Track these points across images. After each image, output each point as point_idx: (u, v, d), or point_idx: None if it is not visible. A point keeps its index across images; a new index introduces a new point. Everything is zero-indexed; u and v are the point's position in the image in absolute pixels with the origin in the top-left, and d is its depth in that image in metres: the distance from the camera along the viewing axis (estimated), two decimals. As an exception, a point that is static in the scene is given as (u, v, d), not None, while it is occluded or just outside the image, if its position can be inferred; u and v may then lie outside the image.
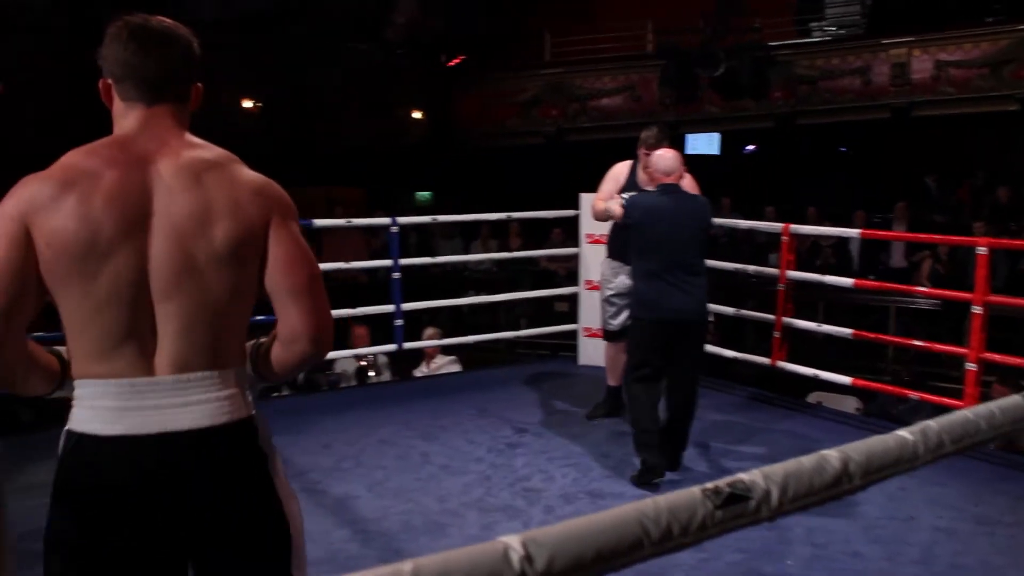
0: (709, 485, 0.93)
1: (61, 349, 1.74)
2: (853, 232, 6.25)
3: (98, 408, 1.62)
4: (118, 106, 1.76)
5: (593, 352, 6.64)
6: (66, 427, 1.68)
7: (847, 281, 5.97)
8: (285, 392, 6.79)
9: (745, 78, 12.11)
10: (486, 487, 4.37)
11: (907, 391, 5.57)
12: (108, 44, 1.74)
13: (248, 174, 1.74)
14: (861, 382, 5.69)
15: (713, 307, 6.69)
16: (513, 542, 0.76)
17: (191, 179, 1.66)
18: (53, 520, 1.67)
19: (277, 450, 1.83)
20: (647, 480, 4.38)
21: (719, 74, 12.00)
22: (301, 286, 1.71)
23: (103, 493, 1.61)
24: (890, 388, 5.95)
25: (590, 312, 6.63)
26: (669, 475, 4.50)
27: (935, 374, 8.52)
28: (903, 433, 1.12)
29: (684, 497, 0.89)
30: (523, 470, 4.62)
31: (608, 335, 5.42)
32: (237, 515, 1.69)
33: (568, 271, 10.17)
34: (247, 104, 13.19)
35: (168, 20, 1.77)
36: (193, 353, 1.65)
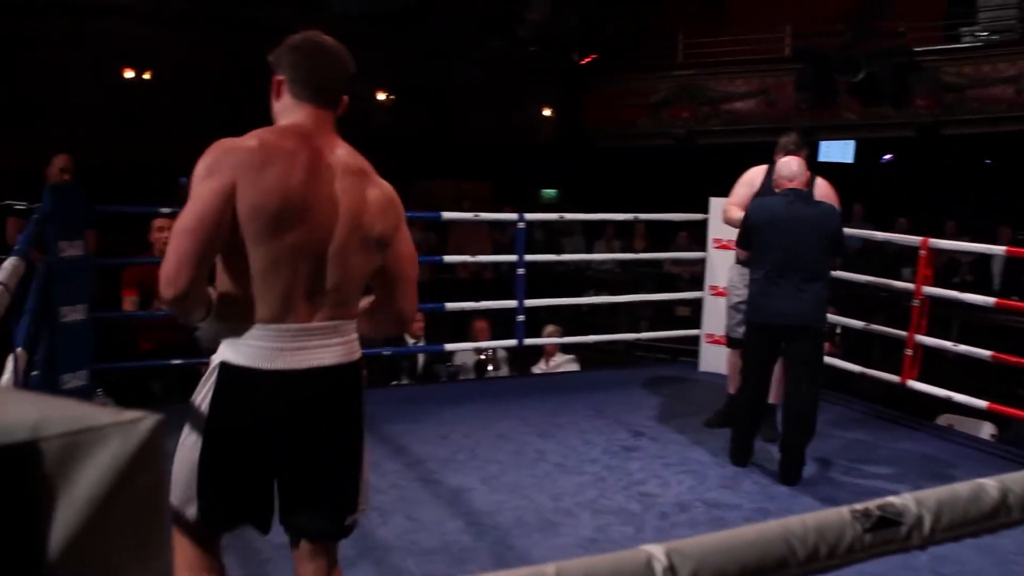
0: (859, 507, 0.88)
1: (211, 290, 2.05)
2: (998, 249, 5.94)
3: (260, 348, 1.98)
4: (287, 101, 2.09)
5: (714, 359, 6.52)
6: (219, 360, 2.02)
7: (988, 300, 5.68)
8: (405, 381, 6.90)
9: (886, 84, 11.69)
10: (600, 489, 4.34)
11: (1049, 419, 5.27)
12: (289, 52, 2.10)
13: (387, 185, 2.15)
14: (998, 407, 5.40)
15: (839, 319, 6.52)
16: (657, 552, 0.74)
17: (357, 177, 2.06)
18: (222, 422, 2.01)
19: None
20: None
21: (859, 80, 11.61)
22: (411, 277, 2.20)
23: (257, 411, 1.99)
24: (1030, 415, 5.63)
25: (714, 318, 6.52)
26: (799, 493, 4.39)
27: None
28: (1068, 466, 1.05)
29: (832, 517, 0.85)
30: (638, 474, 4.57)
31: (732, 342, 5.31)
32: (333, 434, 2.09)
33: (692, 275, 10.03)
34: (381, 96, 13.46)
35: (328, 37, 2.15)
36: (339, 307, 2.06)
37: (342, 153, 2.06)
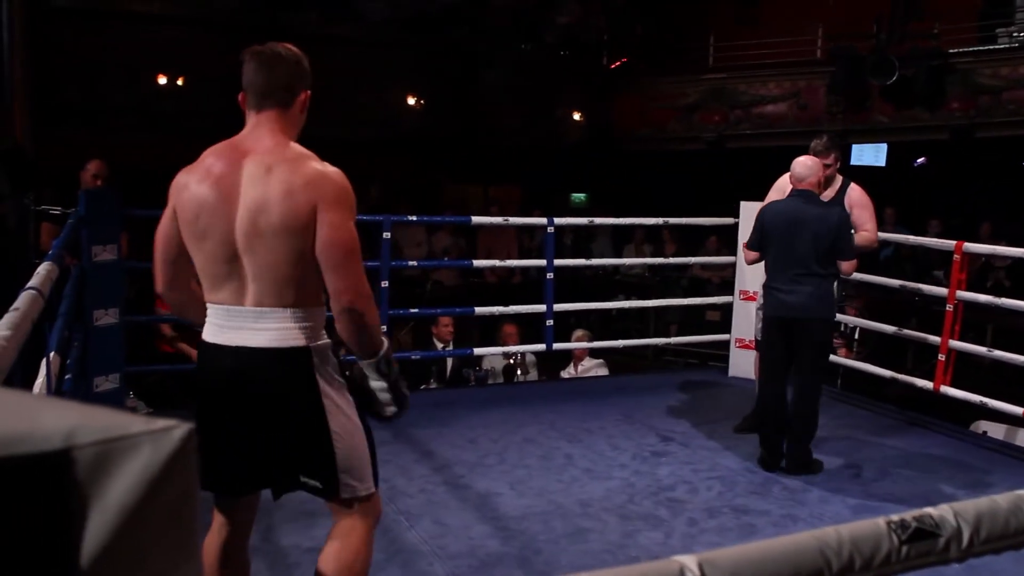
0: (895, 517, 0.87)
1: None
2: (1033, 254, 5.84)
3: (211, 325, 2.35)
4: (247, 112, 2.37)
5: (744, 363, 6.48)
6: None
7: (1023, 304, 5.59)
8: (433, 385, 6.91)
9: (920, 87, 11.55)
10: (629, 494, 4.32)
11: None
12: (243, 65, 2.35)
13: (306, 169, 2.25)
14: (1035, 414, 5.32)
15: (863, 322, 6.46)
16: (689, 563, 0.73)
17: (265, 172, 2.23)
18: (195, 389, 2.42)
19: (335, 379, 2.37)
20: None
21: (892, 82, 11.49)
22: (335, 264, 2.24)
23: (207, 380, 2.37)
24: (1067, 422, 5.55)
25: (743, 322, 6.48)
26: (829, 500, 4.36)
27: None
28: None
29: (868, 528, 0.83)
30: (667, 480, 4.55)
31: (760, 346, 5.32)
32: (285, 415, 2.31)
33: (722, 280, 9.97)
34: (411, 101, 13.49)
35: (284, 47, 2.37)
36: (264, 294, 2.26)
37: (261, 150, 2.27)
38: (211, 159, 2.32)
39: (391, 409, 2.50)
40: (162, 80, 11.75)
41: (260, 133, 2.32)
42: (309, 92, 2.42)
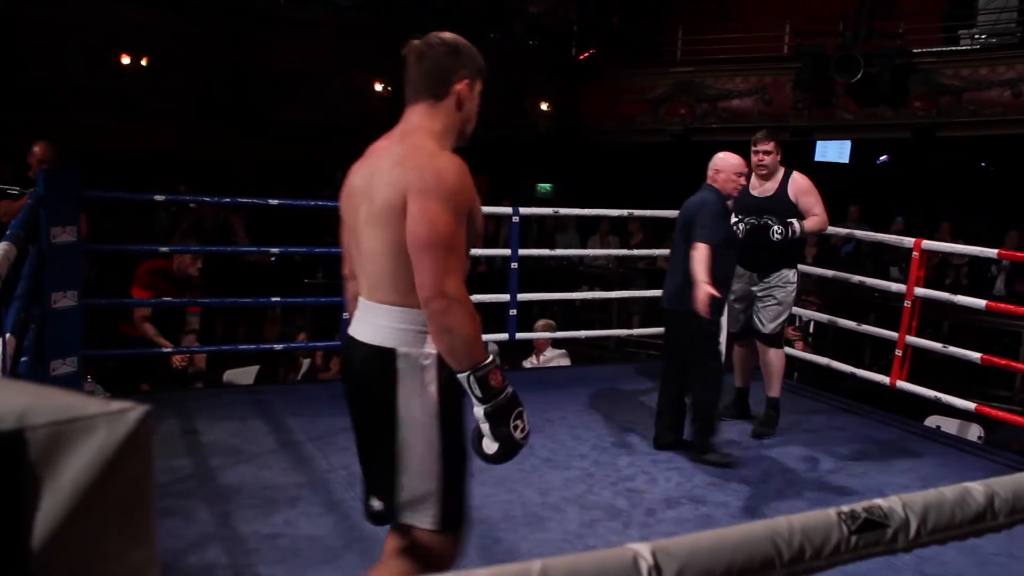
0: (845, 508, 0.88)
1: None
2: (990, 252, 5.94)
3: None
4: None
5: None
6: None
7: (979, 302, 5.68)
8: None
9: (884, 85, 11.68)
10: (588, 484, 4.35)
11: (1037, 423, 5.29)
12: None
13: (410, 158, 2.12)
14: (986, 409, 5.42)
15: (825, 317, 6.53)
16: (643, 550, 0.74)
17: (388, 163, 2.15)
18: None
19: (424, 393, 2.16)
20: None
21: (856, 80, 11.61)
22: (418, 255, 2.06)
23: (342, 365, 2.39)
24: (1018, 418, 5.65)
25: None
26: (786, 492, 4.42)
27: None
28: (1055, 471, 1.05)
29: (818, 519, 0.85)
30: (626, 470, 4.58)
31: (733, 336, 5.43)
32: (365, 410, 2.26)
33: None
34: (378, 87, 13.42)
35: (440, 36, 2.31)
36: (368, 287, 2.22)
37: (393, 142, 2.24)
38: (367, 152, 2.32)
39: (491, 446, 2.16)
40: (125, 60, 11.59)
41: (404, 127, 2.27)
42: (468, 81, 2.29)
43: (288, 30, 12.27)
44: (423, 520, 2.18)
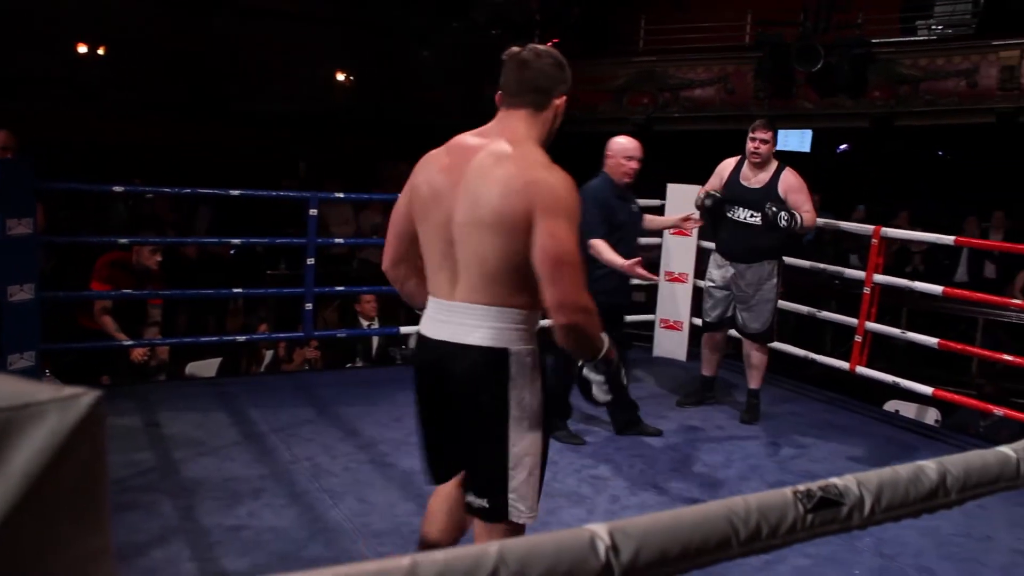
0: (801, 487, 0.90)
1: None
2: (947, 239, 6.03)
3: (425, 317, 2.38)
4: (499, 107, 2.41)
5: (669, 344, 6.58)
6: None
7: (936, 288, 5.77)
8: (360, 363, 6.88)
9: (843, 75, 11.78)
10: (552, 472, 4.34)
11: (991, 406, 5.38)
12: (503, 65, 2.41)
13: (529, 172, 2.21)
14: (943, 393, 5.51)
15: (793, 306, 6.60)
16: (600, 531, 0.74)
17: (492, 166, 2.22)
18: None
19: (530, 391, 2.29)
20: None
21: (816, 70, 11.71)
22: (546, 271, 2.16)
23: (415, 371, 2.44)
24: (973, 402, 5.76)
25: (668, 303, 6.57)
26: (748, 477, 4.47)
27: (1021, 391, 8.22)
28: (1005, 450, 1.07)
29: (775, 498, 0.86)
30: (590, 458, 4.60)
31: (706, 325, 5.47)
32: (469, 414, 2.29)
33: (648, 260, 10.06)
34: (341, 77, 13.33)
35: (543, 49, 2.43)
36: (469, 288, 2.24)
37: (495, 146, 2.27)
38: (451, 145, 2.38)
39: (604, 398, 2.48)
40: (82, 49, 11.41)
41: (501, 129, 2.34)
42: (565, 97, 2.43)
43: (250, 19, 12.15)
44: (529, 514, 2.33)
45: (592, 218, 4.47)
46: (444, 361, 2.29)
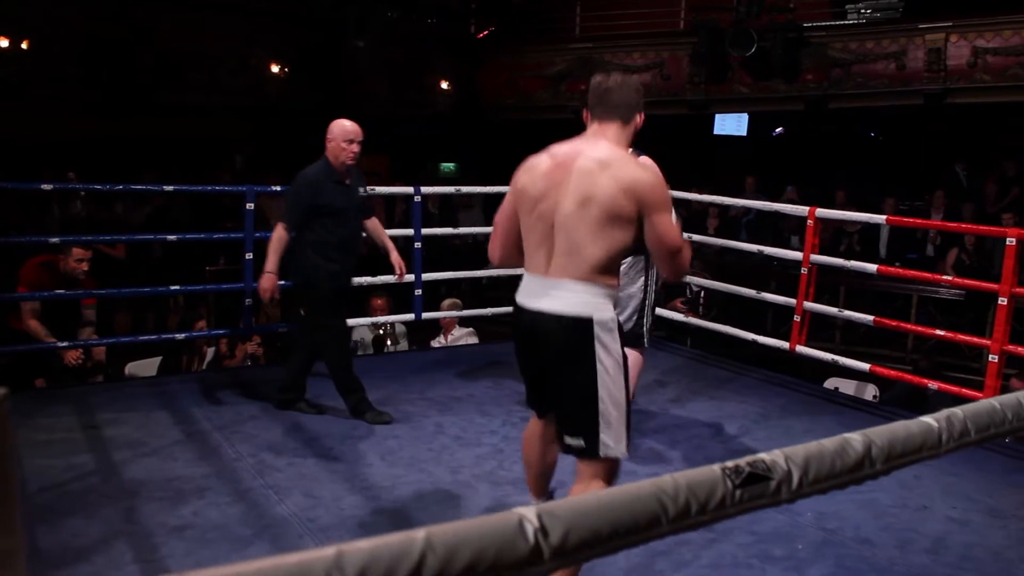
0: (729, 464, 0.91)
1: None
2: (879, 218, 6.16)
3: (522, 288, 2.85)
4: (590, 122, 2.93)
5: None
6: None
7: (870, 267, 5.89)
8: (303, 357, 6.81)
9: (777, 59, 11.92)
10: (499, 460, 4.38)
11: (926, 380, 5.52)
12: (591, 87, 2.95)
13: (633, 172, 2.70)
14: (879, 369, 5.63)
15: (731, 288, 6.69)
16: (528, 514, 0.75)
17: (598, 169, 2.70)
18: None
19: (613, 350, 2.73)
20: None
21: (751, 54, 11.84)
22: (662, 253, 2.79)
23: (516, 332, 2.91)
24: (909, 377, 5.90)
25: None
26: (692, 457, 4.53)
27: (955, 365, 8.44)
28: (928, 419, 1.09)
29: (703, 475, 0.87)
30: (537, 444, 4.61)
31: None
32: (564, 370, 2.77)
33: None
34: (275, 68, 13.14)
35: (627, 76, 3.00)
36: (566, 268, 2.71)
37: (595, 151, 2.75)
38: (553, 151, 2.85)
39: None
40: (4, 44, 11.09)
41: (598, 138, 2.86)
42: (643, 115, 2.97)
43: (178, 9, 11.89)
44: (618, 448, 2.78)
45: (290, 203, 4.75)
46: (538, 327, 2.75)
